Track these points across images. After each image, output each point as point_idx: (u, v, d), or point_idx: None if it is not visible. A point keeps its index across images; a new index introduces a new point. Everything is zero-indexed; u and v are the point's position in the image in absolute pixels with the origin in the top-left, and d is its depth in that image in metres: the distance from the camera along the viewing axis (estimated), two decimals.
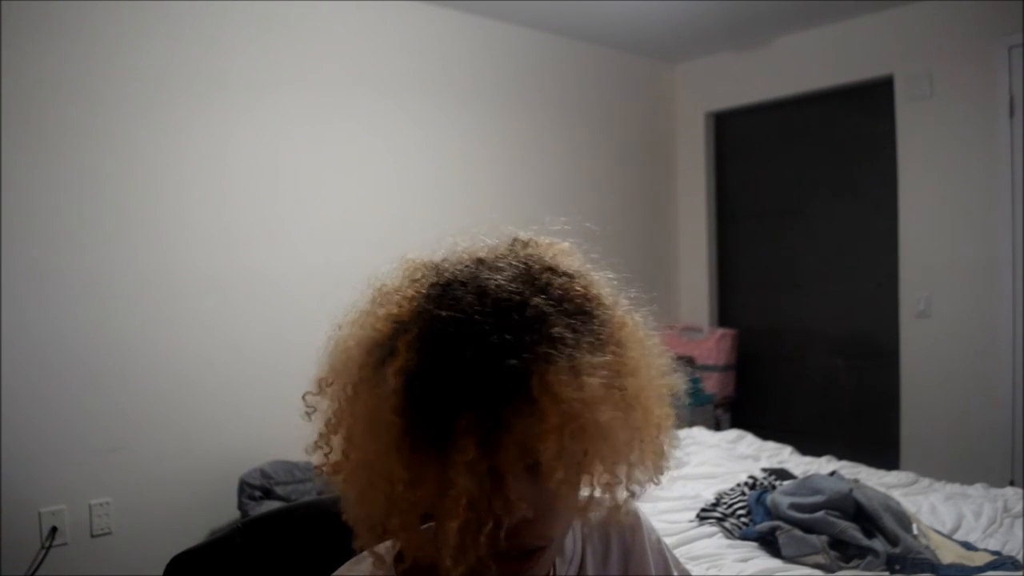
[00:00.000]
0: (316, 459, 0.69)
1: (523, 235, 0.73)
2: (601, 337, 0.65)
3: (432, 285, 0.65)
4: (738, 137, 4.32)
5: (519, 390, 0.58)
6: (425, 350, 0.61)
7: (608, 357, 0.63)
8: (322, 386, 0.69)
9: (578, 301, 0.66)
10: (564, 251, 0.72)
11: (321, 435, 0.68)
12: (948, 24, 3.31)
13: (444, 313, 0.62)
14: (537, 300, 0.63)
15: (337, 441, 0.67)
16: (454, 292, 0.63)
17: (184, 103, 2.68)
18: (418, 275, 0.68)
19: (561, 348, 0.60)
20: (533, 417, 0.58)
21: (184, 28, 2.68)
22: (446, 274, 0.66)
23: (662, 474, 0.73)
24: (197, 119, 2.71)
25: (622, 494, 0.69)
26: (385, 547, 0.74)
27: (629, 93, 4.21)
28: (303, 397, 0.70)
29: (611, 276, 0.73)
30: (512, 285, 0.64)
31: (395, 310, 0.65)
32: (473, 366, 0.59)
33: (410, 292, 0.66)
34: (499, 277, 0.64)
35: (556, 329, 0.61)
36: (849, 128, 3.79)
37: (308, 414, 0.70)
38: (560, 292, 0.65)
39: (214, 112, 2.75)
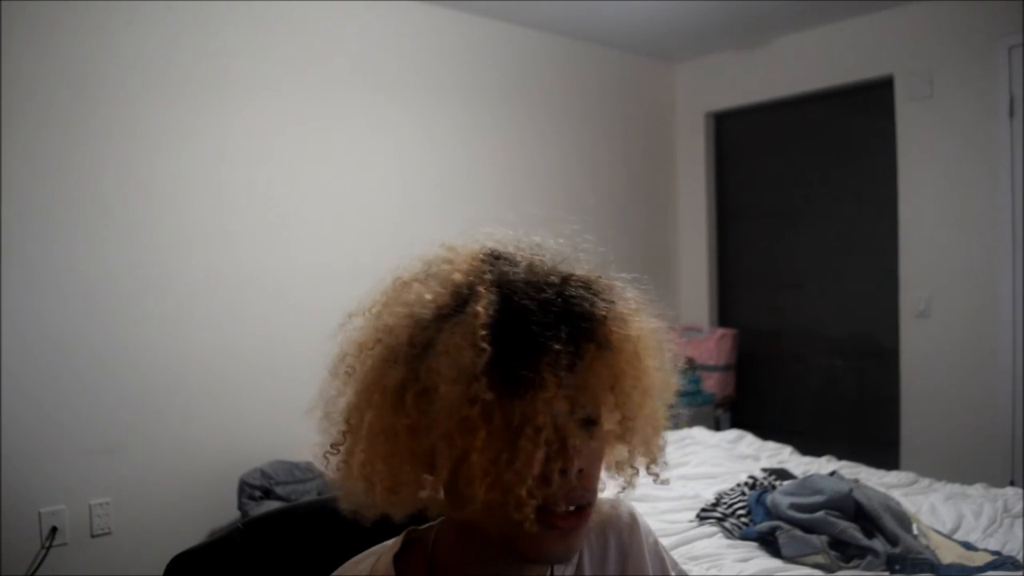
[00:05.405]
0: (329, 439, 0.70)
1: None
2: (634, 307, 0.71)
3: (487, 253, 0.70)
4: (738, 137, 4.32)
5: (596, 329, 0.64)
6: (504, 294, 0.64)
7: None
8: (345, 361, 0.69)
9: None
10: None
11: (350, 408, 0.68)
12: (948, 24, 3.31)
13: (512, 270, 0.67)
14: (580, 272, 0.69)
15: (358, 414, 0.67)
16: (508, 259, 0.69)
17: (183, 102, 2.68)
18: (461, 250, 0.71)
19: (621, 299, 0.69)
20: (611, 353, 0.64)
21: (183, 28, 2.68)
22: (494, 250, 0.71)
23: (657, 468, 0.74)
24: (196, 119, 2.71)
25: (634, 476, 0.74)
26: (385, 546, 0.74)
27: (629, 93, 4.21)
28: (333, 369, 0.69)
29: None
30: (551, 261, 0.70)
31: (454, 268, 0.68)
32: (554, 307, 0.64)
33: (465, 254, 0.69)
34: (535, 258, 0.70)
35: (614, 290, 0.69)
36: (849, 128, 3.79)
37: (336, 394, 0.69)
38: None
39: (213, 112, 2.75)
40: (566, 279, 0.67)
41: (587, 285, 0.67)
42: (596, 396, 0.65)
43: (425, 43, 3.37)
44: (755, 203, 4.24)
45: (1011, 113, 3.11)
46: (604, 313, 0.65)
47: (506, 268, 0.67)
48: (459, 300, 0.64)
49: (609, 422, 0.67)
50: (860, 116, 3.73)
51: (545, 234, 0.75)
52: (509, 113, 3.66)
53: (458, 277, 0.66)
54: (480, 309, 0.62)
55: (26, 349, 2.37)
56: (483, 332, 0.61)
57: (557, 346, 0.61)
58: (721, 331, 4.11)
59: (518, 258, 0.69)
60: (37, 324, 2.39)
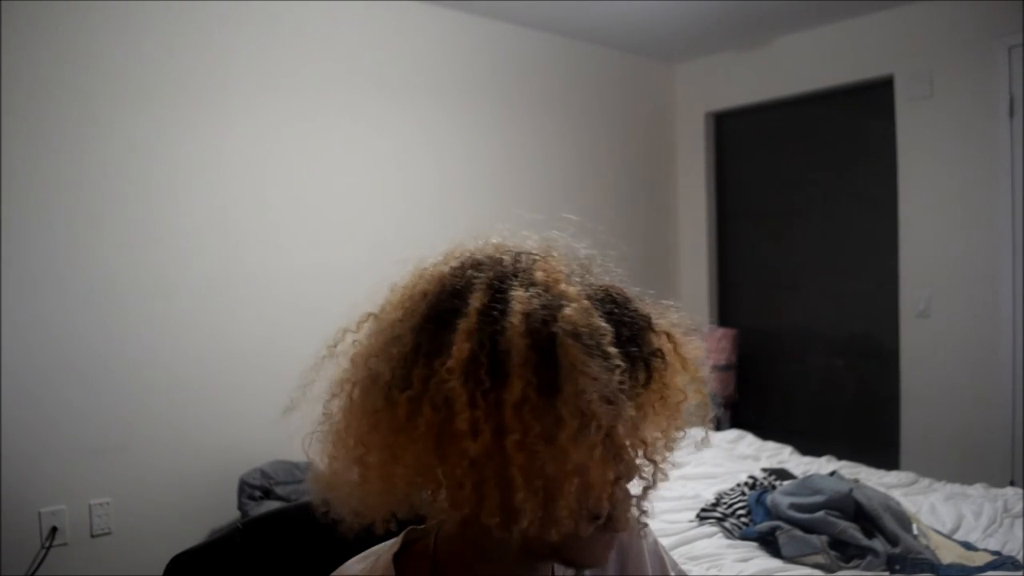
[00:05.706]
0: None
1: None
2: None
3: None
4: (738, 137, 4.32)
5: (663, 345, 0.64)
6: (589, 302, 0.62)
7: None
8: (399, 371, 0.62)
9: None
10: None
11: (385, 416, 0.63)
12: (948, 24, 3.31)
13: (582, 281, 0.65)
14: (609, 281, 0.68)
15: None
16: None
17: (183, 102, 2.68)
18: (551, 258, 0.67)
19: (662, 310, 0.67)
20: (676, 371, 0.65)
21: (183, 28, 2.68)
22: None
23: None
24: (196, 119, 2.71)
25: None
26: (385, 546, 0.74)
27: (629, 93, 4.21)
28: (392, 377, 0.63)
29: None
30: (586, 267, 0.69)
31: (564, 276, 0.64)
32: (633, 323, 0.63)
33: (556, 262, 0.66)
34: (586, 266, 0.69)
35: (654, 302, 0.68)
36: (849, 128, 3.79)
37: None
38: None
39: (213, 112, 2.75)
40: (607, 288, 0.65)
41: (627, 297, 0.65)
42: (662, 414, 0.65)
43: (425, 43, 3.37)
44: (755, 203, 4.24)
45: (1011, 113, 3.11)
46: (666, 330, 0.65)
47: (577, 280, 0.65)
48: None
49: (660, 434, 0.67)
50: (860, 116, 3.73)
51: (551, 236, 0.73)
52: (509, 113, 3.66)
53: (571, 290, 0.61)
54: (605, 324, 0.59)
55: (26, 349, 2.37)
56: (614, 349, 0.58)
57: (657, 362, 0.62)
58: (721, 331, 4.10)
59: (574, 266, 0.66)
60: (37, 324, 2.39)
